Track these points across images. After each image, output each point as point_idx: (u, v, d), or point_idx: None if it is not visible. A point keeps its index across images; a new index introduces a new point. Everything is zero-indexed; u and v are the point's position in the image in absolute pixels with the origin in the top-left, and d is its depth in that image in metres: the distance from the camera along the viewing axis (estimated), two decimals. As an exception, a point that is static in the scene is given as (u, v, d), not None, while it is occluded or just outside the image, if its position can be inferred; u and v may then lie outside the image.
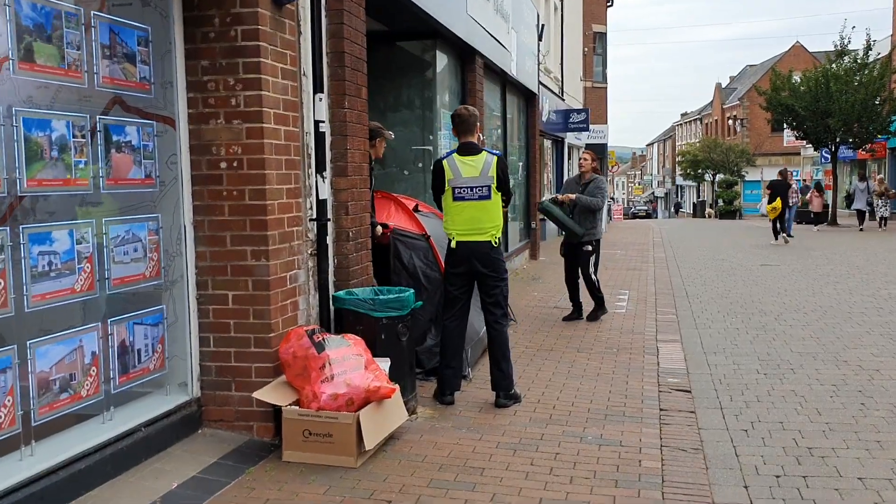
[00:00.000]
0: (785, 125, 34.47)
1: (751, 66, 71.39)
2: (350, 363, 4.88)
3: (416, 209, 7.87)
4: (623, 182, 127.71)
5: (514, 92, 14.63)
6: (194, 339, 5.15)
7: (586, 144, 30.66)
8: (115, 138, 4.62)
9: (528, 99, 16.20)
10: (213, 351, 5.16)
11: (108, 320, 4.59)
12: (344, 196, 5.97)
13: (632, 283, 12.90)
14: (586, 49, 31.94)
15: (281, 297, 5.18)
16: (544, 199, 10.13)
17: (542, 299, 11.21)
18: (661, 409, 5.94)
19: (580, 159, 9.96)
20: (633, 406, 6.01)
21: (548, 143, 23.92)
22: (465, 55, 10.40)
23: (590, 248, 9.74)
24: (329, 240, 5.81)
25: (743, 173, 54.21)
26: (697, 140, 70.70)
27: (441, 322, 6.17)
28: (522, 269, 14.82)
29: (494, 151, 5.98)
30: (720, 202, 52.11)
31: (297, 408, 4.80)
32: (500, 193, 5.92)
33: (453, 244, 5.99)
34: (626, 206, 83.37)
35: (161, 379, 5.07)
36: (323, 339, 4.95)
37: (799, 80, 31.27)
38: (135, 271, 4.79)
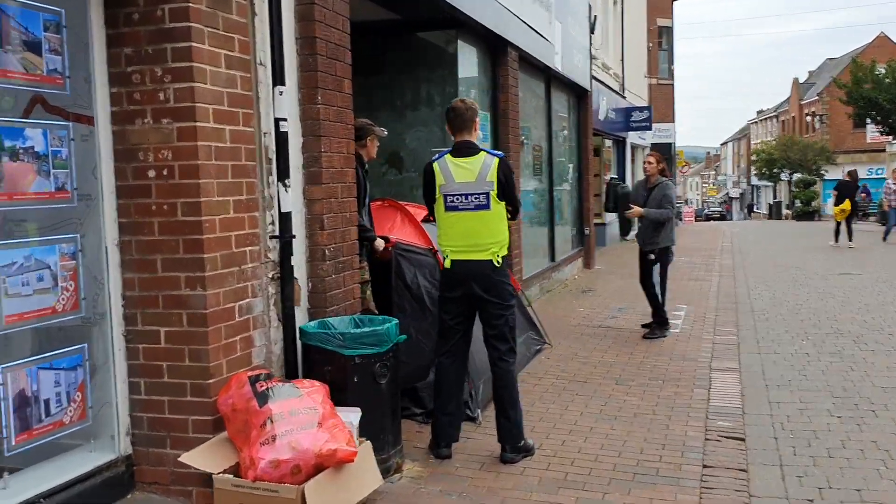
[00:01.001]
0: (868, 120, 32.30)
1: (831, 59, 68.13)
2: (299, 419, 3.91)
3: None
4: (696, 183, 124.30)
5: (561, 89, 13.51)
6: (121, 385, 4.26)
7: (651, 144, 29.21)
8: (6, 143, 3.75)
9: (580, 96, 15.04)
10: (144, 399, 4.27)
11: (0, 367, 3.73)
12: (319, 207, 5.02)
13: (692, 297, 11.65)
14: (651, 44, 30.45)
15: (225, 333, 4.25)
16: (613, 178, 9.17)
17: (588, 316, 10.08)
18: (704, 466, 4.81)
19: (644, 162, 8.87)
20: (670, 460, 4.90)
21: (608, 144, 22.66)
22: (495, 47, 9.37)
23: (652, 256, 8.68)
24: (296, 260, 4.86)
25: (822, 172, 51.51)
26: (773, 138, 67.86)
27: (435, 358, 5.15)
28: (573, 280, 13.68)
29: (496, 152, 4.94)
30: (797, 203, 49.63)
31: (232, 476, 3.85)
32: (503, 203, 4.88)
33: (447, 263, 4.98)
34: (699, 207, 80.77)
35: (83, 432, 4.20)
36: (268, 389, 4.00)
37: (883, 71, 29.17)
38: (39, 305, 3.92)
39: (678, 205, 32.37)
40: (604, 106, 18.94)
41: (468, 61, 8.70)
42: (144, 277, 4.20)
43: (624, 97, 23.38)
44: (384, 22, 8.05)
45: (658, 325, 8.79)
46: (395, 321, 4.74)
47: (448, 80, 8.36)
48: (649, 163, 8.85)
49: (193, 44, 4.03)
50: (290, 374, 4.72)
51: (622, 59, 23.55)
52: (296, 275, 4.92)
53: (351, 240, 5.38)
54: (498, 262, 4.86)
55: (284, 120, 4.64)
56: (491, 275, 4.86)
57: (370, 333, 4.53)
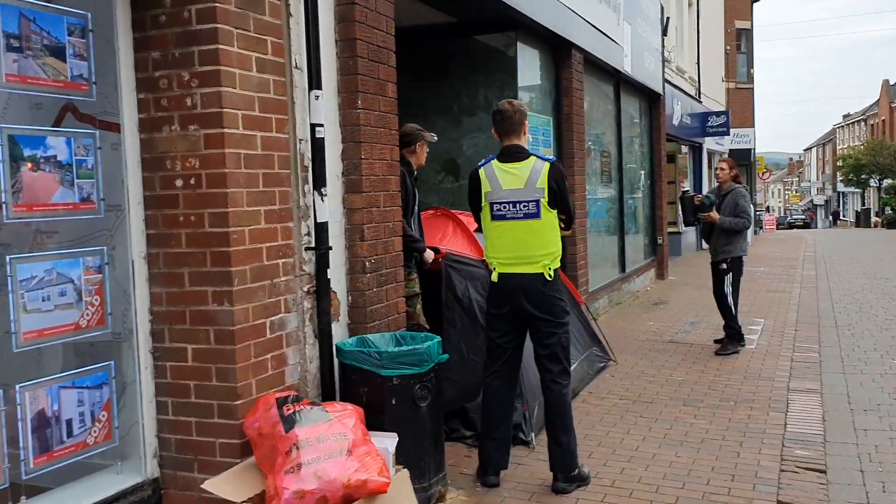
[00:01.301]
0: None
1: (922, 60, 65.07)
2: (327, 446, 3.63)
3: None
4: (779, 189, 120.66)
5: (631, 92, 13.03)
6: (148, 405, 4.06)
7: (729, 150, 28.26)
8: (26, 152, 3.60)
9: (652, 100, 14.51)
10: (172, 420, 4.06)
11: (17, 386, 3.56)
12: (359, 217, 4.76)
13: (770, 310, 11.02)
14: (728, 47, 29.49)
15: (255, 350, 4.01)
16: (685, 191, 8.71)
17: (658, 331, 9.59)
18: (778, 503, 4.36)
19: (716, 168, 8.41)
20: (740, 494, 4.46)
21: (685, 150, 21.95)
22: (558, 49, 9.00)
23: (724, 266, 8.20)
24: (335, 273, 4.61)
25: (915, 177, 49.15)
26: (861, 143, 65.18)
27: (482, 380, 4.81)
28: (645, 292, 13.15)
29: (547, 157, 4.59)
30: (887, 210, 47.42)
31: (255, 506, 3.60)
32: (554, 211, 4.53)
33: (494, 277, 4.65)
34: (781, 215, 78.21)
35: (111, 453, 4.02)
36: (295, 412, 3.73)
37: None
38: (60, 321, 3.75)
39: (758, 213, 31.25)
40: (678, 110, 18.32)
41: (528, 64, 8.36)
42: (172, 292, 4.00)
43: (700, 101, 22.63)
44: (439, 25, 7.79)
45: (730, 339, 8.27)
46: (437, 339, 4.44)
47: (507, 84, 8.04)
48: (721, 169, 8.38)
49: (221, 46, 3.81)
50: (326, 395, 4.46)
51: (698, 63, 22.81)
52: (334, 288, 4.67)
53: (395, 251, 5.11)
54: (550, 275, 4.51)
55: (321, 126, 4.39)
56: (542, 289, 4.51)
57: (409, 352, 4.23)
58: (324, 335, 4.46)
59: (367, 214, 4.79)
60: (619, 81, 12.08)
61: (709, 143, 24.29)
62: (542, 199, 4.45)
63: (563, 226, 4.65)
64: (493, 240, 4.64)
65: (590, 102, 10.55)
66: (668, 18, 15.11)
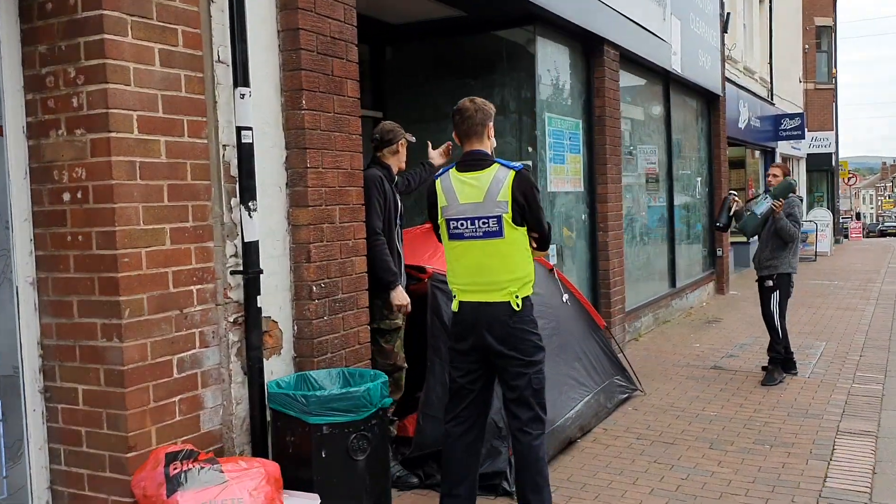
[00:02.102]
0: None
1: None
2: (214, 515, 3.01)
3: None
4: (871, 195, 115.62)
5: (684, 93, 12.09)
6: (37, 452, 3.51)
7: (808, 155, 26.73)
8: None
9: (710, 102, 13.50)
10: (64, 471, 3.51)
11: None
12: (305, 234, 4.13)
13: (835, 331, 9.94)
14: (807, 46, 27.89)
15: (155, 393, 3.42)
16: (731, 192, 7.83)
17: (702, 354, 8.68)
18: (796, 588, 3.53)
19: (768, 175, 7.53)
20: (751, 574, 3.65)
21: (756, 154, 20.70)
22: (588, 46, 8.22)
23: (770, 283, 7.32)
24: (276, 299, 4.01)
25: None
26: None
27: (443, 426, 4.10)
28: (699, 308, 12.17)
29: (513, 164, 3.86)
30: None
31: (124, 586, 3.00)
32: (523, 229, 3.81)
33: (455, 305, 3.95)
34: (872, 221, 74.68)
35: (-2, 507, 3.49)
36: (182, 472, 3.12)
37: None
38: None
39: (844, 220, 29.46)
40: (745, 113, 17.15)
41: (550, 61, 7.61)
42: (62, 323, 3.45)
43: (772, 103, 21.31)
44: (449, 21, 7.12)
45: (776, 366, 7.36)
46: (382, 380, 3.76)
47: (525, 84, 7.31)
48: (774, 175, 7.48)
49: (107, 36, 3.25)
50: (256, 444, 3.84)
51: (770, 63, 21.51)
52: (275, 317, 4.06)
53: (356, 273, 4.46)
54: (517, 304, 3.78)
55: (249, 129, 3.78)
56: (508, 322, 3.79)
57: (342, 396, 3.58)
58: (254, 373, 3.85)
59: (316, 231, 4.15)
60: (669, 81, 11.18)
61: (783, 148, 22.90)
62: (504, 215, 3.73)
63: (535, 246, 3.92)
64: (451, 262, 3.94)
65: (629, 103, 9.72)
66: (728, 14, 14.07)
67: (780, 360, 7.38)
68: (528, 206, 3.76)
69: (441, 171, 3.99)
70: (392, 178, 4.93)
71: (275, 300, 4.06)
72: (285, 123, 4.13)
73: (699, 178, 13.15)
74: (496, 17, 7.20)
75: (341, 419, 3.55)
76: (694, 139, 12.90)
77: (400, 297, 4.77)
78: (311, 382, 3.96)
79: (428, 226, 5.95)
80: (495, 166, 3.79)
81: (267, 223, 4.01)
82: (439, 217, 3.92)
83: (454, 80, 7.59)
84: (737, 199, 7.63)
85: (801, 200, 7.82)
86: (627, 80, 9.51)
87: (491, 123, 3.93)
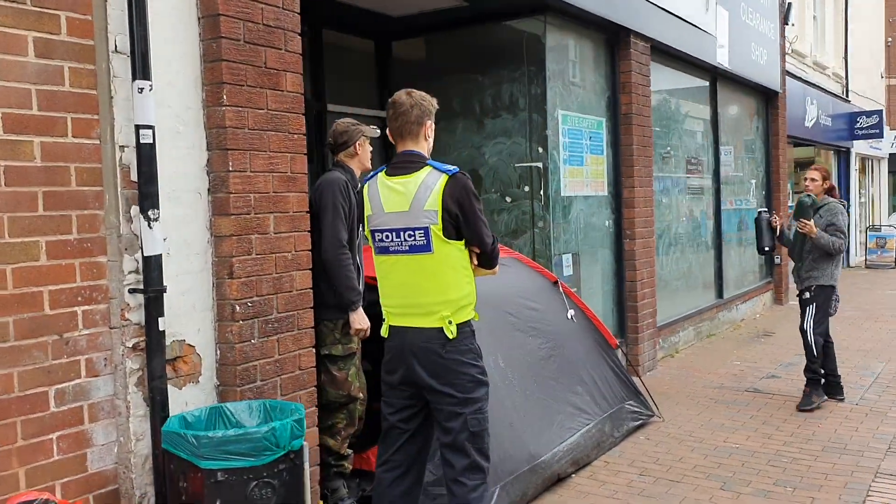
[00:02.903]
0: None
1: None
2: (50, 582, 2.55)
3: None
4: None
5: (735, 89, 11.24)
6: None
7: (889, 155, 25.15)
8: None
9: (768, 98, 12.58)
10: (-71, 515, 3.10)
11: None
12: (228, 247, 3.66)
13: (897, 349, 9.03)
14: (890, 39, 26.28)
15: (24, 430, 3.00)
16: (763, 211, 7.14)
17: (741, 374, 7.92)
18: None
19: (806, 179, 6.78)
20: None
21: (830, 155, 19.49)
22: (613, 37, 7.56)
23: (808, 295, 6.59)
24: (194, 320, 3.55)
25: None
26: None
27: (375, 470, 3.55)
28: (751, 321, 11.31)
29: (446, 167, 3.29)
30: None
31: None
32: (458, 243, 3.25)
33: (384, 330, 3.41)
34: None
35: None
36: (25, 527, 2.67)
37: None
38: None
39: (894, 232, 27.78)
40: (813, 110, 16.07)
41: (564, 54, 6.99)
42: (-75, 348, 3.05)
43: (847, 100, 20.04)
44: (454, 12, 6.59)
45: (814, 387, 6.61)
46: (295, 418, 3.25)
47: (535, 79, 6.71)
48: (812, 179, 6.70)
49: (-41, 22, 2.83)
50: (160, 486, 3.38)
51: (845, 57, 20.23)
52: (192, 340, 3.61)
53: (295, 290, 3.97)
54: (451, 332, 3.22)
55: (148, 128, 3.33)
56: (439, 352, 3.23)
57: (239, 438, 3.08)
58: (156, 405, 3.39)
59: (240, 244, 3.68)
60: (716, 77, 10.38)
61: (859, 147, 21.54)
62: (432, 226, 3.18)
63: (479, 261, 3.36)
64: (380, 280, 3.41)
65: (665, 101, 9.00)
66: (789, 4, 13.09)
67: (818, 382, 6.61)
68: (463, 216, 3.20)
69: (370, 175, 3.45)
70: (355, 183, 4.42)
71: (191, 321, 3.60)
72: (206, 122, 3.66)
73: (754, 181, 12.26)
74: (504, 7, 6.62)
75: (239, 464, 3.06)
76: (747, 139, 12.02)
77: (360, 320, 4.25)
78: (226, 416, 3.48)
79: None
80: (426, 170, 3.24)
81: (181, 234, 3.56)
82: (366, 227, 3.40)
83: (461, 76, 7.05)
84: (775, 217, 6.91)
85: (847, 205, 7.00)
86: (664, 74, 8.80)
87: (430, 122, 3.37)
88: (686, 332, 9.20)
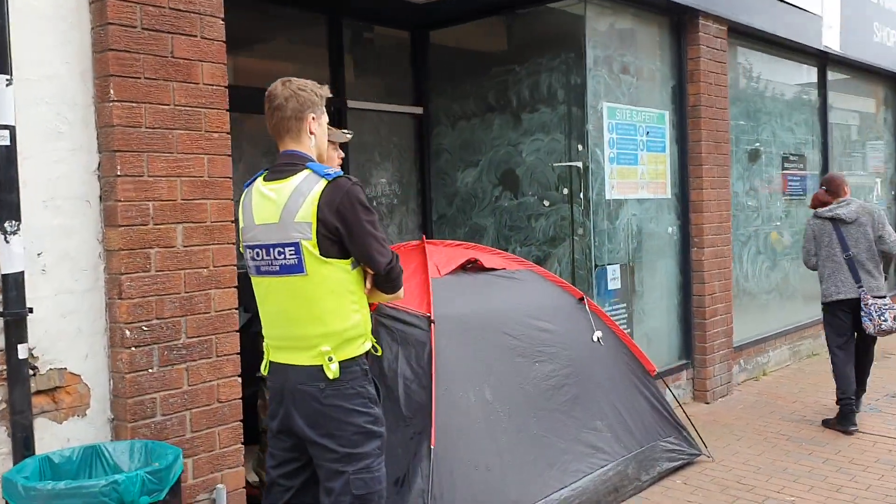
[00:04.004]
0: None
1: None
2: None
3: (468, 266, 4.71)
4: None
5: (854, 76, 9.93)
6: None
7: None
8: None
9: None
10: None
11: None
12: (117, 263, 3.21)
13: None
14: None
15: None
16: None
17: (831, 405, 6.82)
18: None
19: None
20: None
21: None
22: (675, 18, 6.66)
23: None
24: (80, 346, 3.14)
25: None
26: None
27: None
28: (871, 337, 9.95)
29: (327, 170, 2.68)
30: None
31: None
32: (340, 261, 2.63)
33: (263, 367, 2.85)
34: None
35: None
36: None
37: None
38: None
39: None
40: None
41: (610, 40, 6.15)
42: None
43: None
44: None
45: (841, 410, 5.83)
46: (150, 469, 2.75)
47: (574, 68, 5.94)
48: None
49: None
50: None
51: None
52: (76, 368, 3.19)
53: (214, 310, 3.47)
54: (331, 371, 2.62)
55: (5, 128, 2.91)
56: (318, 395, 2.64)
57: (71, 492, 2.61)
58: (18, 443, 2.97)
59: (132, 259, 3.22)
60: (826, 62, 9.16)
61: None
62: (304, 242, 2.59)
63: (379, 283, 2.74)
64: (259, 306, 2.84)
65: (757, 90, 7.96)
66: (927, -22, 11.51)
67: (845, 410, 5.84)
68: (346, 230, 2.59)
69: (251, 179, 2.90)
70: None
71: (76, 347, 3.18)
72: (98, 120, 3.22)
73: (878, 180, 10.84)
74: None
75: (69, 523, 2.59)
76: (870, 132, 10.63)
77: None
78: (103, 458, 3.04)
79: (416, 243, 4.87)
80: (302, 173, 2.66)
81: (62, 247, 3.14)
82: (241, 243, 2.85)
83: (498, 67, 6.37)
84: None
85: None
86: (751, 60, 7.79)
87: (313, 115, 2.77)
88: (778, 352, 8.12)
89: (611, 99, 6.06)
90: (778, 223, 8.39)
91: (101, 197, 3.24)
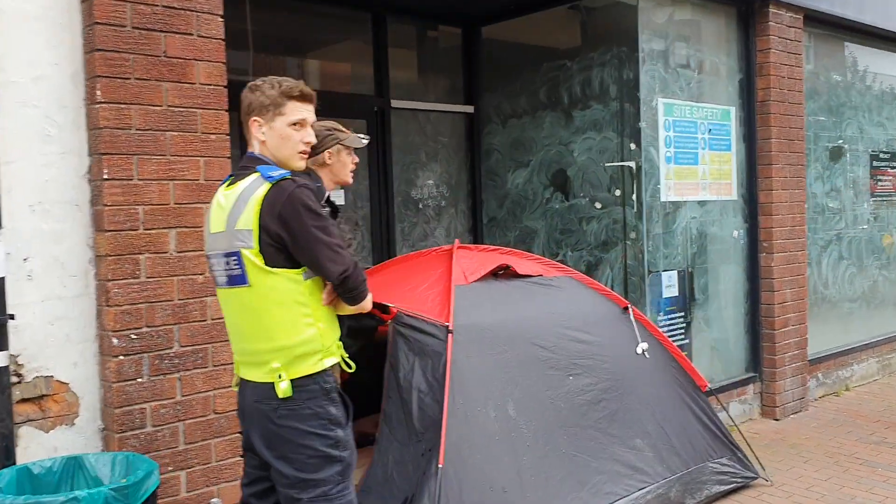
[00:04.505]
0: None
1: None
2: None
3: (500, 273, 4.47)
4: None
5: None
6: None
7: None
8: None
9: None
10: None
11: None
12: (105, 269, 3.13)
13: None
14: None
15: None
16: None
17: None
18: None
19: None
20: None
21: None
22: (743, 5, 6.21)
23: None
24: (69, 353, 3.08)
25: None
26: None
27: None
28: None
29: (272, 172, 2.48)
30: None
31: None
32: (290, 272, 2.45)
33: (233, 382, 2.70)
34: None
35: None
36: None
37: None
38: None
39: None
40: None
41: (667, 31, 5.76)
42: None
43: None
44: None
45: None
46: (113, 486, 2.63)
47: (626, 62, 5.60)
48: None
49: None
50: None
51: None
52: (65, 376, 3.13)
53: (210, 318, 3.36)
54: (282, 390, 2.43)
55: (-16, 130, 2.86)
56: (270, 415, 2.47)
57: (29, 507, 2.52)
58: (-2, 451, 2.92)
59: (120, 265, 3.13)
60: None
61: None
62: (245, 251, 2.42)
63: (341, 295, 2.54)
64: (225, 319, 2.69)
65: (840, 83, 7.40)
66: None
67: None
68: (291, 237, 2.40)
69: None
70: (319, 196, 3.71)
71: (65, 354, 3.11)
72: (88, 122, 3.15)
73: None
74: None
75: (25, 541, 2.50)
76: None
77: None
78: (84, 470, 2.95)
79: (447, 248, 4.67)
80: (251, 177, 2.49)
81: (51, 252, 3.08)
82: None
83: (549, 62, 6.09)
84: None
85: None
86: (832, 49, 7.24)
87: (258, 118, 2.55)
88: (864, 366, 7.53)
89: (668, 94, 5.69)
90: (865, 226, 7.78)
91: (91, 201, 3.16)
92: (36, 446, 3.03)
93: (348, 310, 2.58)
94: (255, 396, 2.49)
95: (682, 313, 5.83)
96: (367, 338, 4.52)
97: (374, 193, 5.83)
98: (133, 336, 3.15)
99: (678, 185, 5.76)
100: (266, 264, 2.39)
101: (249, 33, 5.09)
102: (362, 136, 3.83)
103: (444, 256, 4.53)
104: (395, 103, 5.93)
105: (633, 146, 5.56)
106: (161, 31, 3.22)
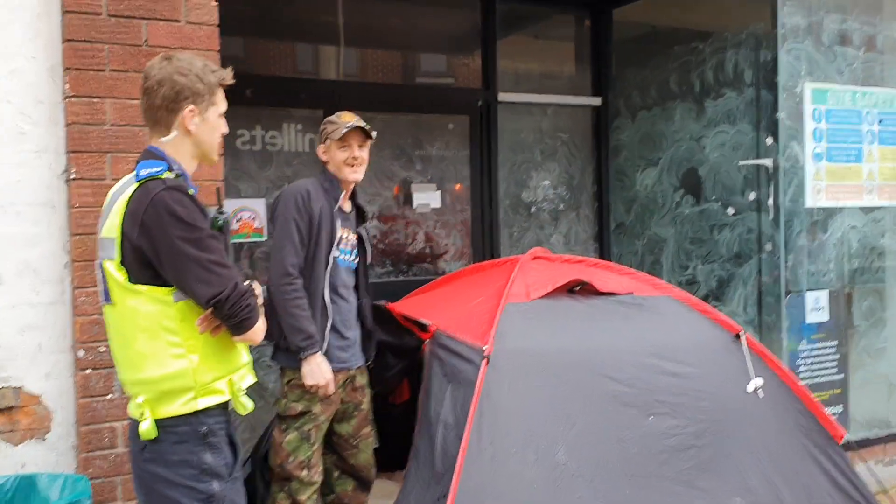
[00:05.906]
0: None
1: None
2: None
3: (576, 289, 3.84)
4: None
5: None
6: None
7: None
8: None
9: None
10: None
11: None
12: (74, 274, 2.92)
13: None
14: None
15: None
16: None
17: None
18: None
19: None
20: None
21: None
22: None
23: None
24: (42, 364, 2.90)
25: None
26: None
27: None
28: None
29: (144, 170, 2.04)
30: None
31: None
32: (158, 289, 2.02)
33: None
34: None
35: None
36: None
37: None
38: None
39: None
40: None
41: (816, 3, 4.76)
42: None
43: None
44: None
45: None
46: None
47: (764, 42, 4.69)
48: None
49: None
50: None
51: None
52: (36, 388, 2.96)
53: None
54: (143, 431, 2.02)
55: None
56: (137, 458, 2.09)
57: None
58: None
59: (88, 272, 2.90)
60: None
61: None
62: (106, 263, 2.06)
63: (205, 325, 2.08)
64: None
65: None
66: None
67: None
68: (153, 249, 1.99)
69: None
70: (334, 192, 3.33)
71: (36, 365, 2.93)
72: (66, 118, 2.95)
73: None
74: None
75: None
76: None
77: (311, 373, 3.17)
78: (36, 491, 2.75)
79: (511, 259, 4.12)
80: (130, 175, 2.11)
81: (21, 256, 2.91)
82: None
83: (680, 46, 5.28)
84: None
85: None
86: None
87: (194, 106, 2.16)
88: None
89: (818, 78, 4.71)
90: None
91: (68, 202, 2.96)
92: (2, 459, 2.88)
93: (240, 339, 2.13)
94: (130, 433, 2.13)
95: (835, 342, 4.82)
96: (412, 358, 4.04)
97: (476, 195, 5.33)
98: (102, 349, 2.91)
99: (832, 188, 4.77)
100: (129, 280, 2.00)
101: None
102: (372, 128, 3.37)
103: (508, 268, 3.96)
104: (502, 97, 5.38)
105: (769, 141, 4.65)
106: (142, 19, 2.96)
